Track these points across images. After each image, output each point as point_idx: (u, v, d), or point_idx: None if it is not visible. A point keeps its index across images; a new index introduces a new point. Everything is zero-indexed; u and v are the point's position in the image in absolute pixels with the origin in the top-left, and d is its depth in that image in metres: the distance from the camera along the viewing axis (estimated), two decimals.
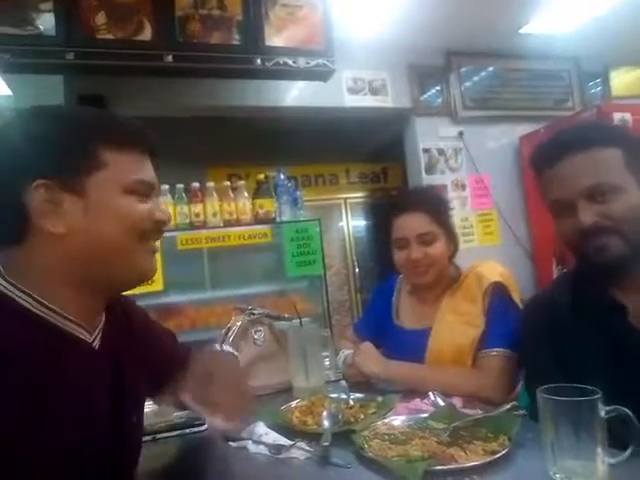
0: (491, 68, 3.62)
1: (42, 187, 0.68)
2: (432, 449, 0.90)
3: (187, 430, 1.16)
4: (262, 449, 1.01)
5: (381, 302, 1.64)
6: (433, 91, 3.48)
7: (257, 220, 2.70)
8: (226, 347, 1.04)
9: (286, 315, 1.64)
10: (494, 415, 1.01)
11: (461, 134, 3.49)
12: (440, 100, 3.49)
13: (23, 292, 0.69)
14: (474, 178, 3.52)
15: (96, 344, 0.76)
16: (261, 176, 2.80)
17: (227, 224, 2.66)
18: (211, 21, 2.28)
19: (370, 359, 1.39)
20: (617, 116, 3.05)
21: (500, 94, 3.63)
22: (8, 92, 2.53)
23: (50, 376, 0.67)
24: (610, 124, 2.42)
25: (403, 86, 3.38)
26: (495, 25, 3.12)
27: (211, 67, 2.34)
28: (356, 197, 5.56)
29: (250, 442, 1.03)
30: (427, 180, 3.41)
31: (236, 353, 1.03)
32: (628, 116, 3.06)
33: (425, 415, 1.07)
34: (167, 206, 0.83)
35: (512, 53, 3.54)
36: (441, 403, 1.14)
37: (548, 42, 3.37)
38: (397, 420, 1.07)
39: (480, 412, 1.05)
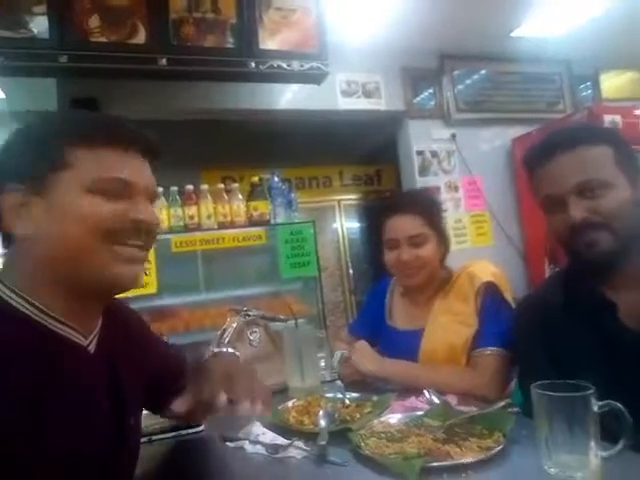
0: (483, 71, 3.65)
1: (12, 191, 0.69)
2: (428, 446, 0.90)
3: (183, 431, 1.16)
4: (259, 449, 1.01)
5: (375, 303, 1.65)
6: (426, 94, 3.50)
7: (251, 222, 2.71)
8: (227, 348, 1.03)
9: (281, 316, 1.64)
10: (489, 412, 1.02)
11: (454, 136, 3.52)
12: (433, 103, 3.52)
13: (14, 293, 0.69)
14: (467, 180, 3.55)
15: (91, 348, 0.75)
16: (255, 178, 2.81)
17: (221, 226, 2.66)
18: (205, 24, 2.29)
19: (366, 357, 1.39)
20: (607, 118, 3.09)
21: (492, 97, 3.66)
22: (1, 95, 2.52)
23: (48, 378, 0.67)
24: (600, 125, 2.45)
25: (396, 89, 3.40)
26: (487, 28, 3.15)
27: (205, 70, 2.34)
28: (350, 199, 5.59)
29: (247, 442, 1.04)
30: (420, 182, 3.43)
31: (238, 353, 1.03)
32: (618, 118, 3.10)
33: (421, 413, 1.08)
34: (150, 206, 0.78)
35: (504, 56, 3.57)
36: (436, 401, 1.15)
37: (540, 45, 3.40)
38: (393, 418, 1.08)
39: (475, 409, 1.06)
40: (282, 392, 1.42)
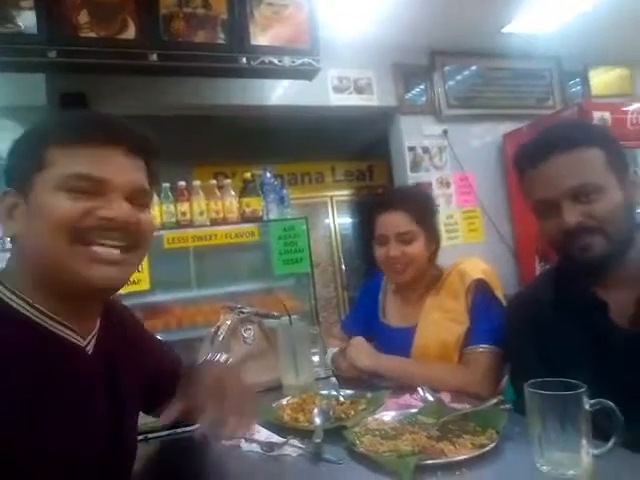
0: (474, 67, 3.65)
1: (5, 194, 0.71)
2: (422, 444, 0.91)
3: (179, 429, 1.16)
4: (254, 447, 1.01)
5: (368, 300, 1.66)
6: (418, 90, 3.51)
7: (244, 219, 2.71)
8: (219, 355, 1.01)
9: (275, 313, 1.64)
10: (482, 409, 1.03)
11: (445, 132, 3.53)
12: (424, 99, 3.52)
13: (14, 294, 0.69)
14: (458, 176, 3.56)
15: (90, 349, 0.76)
16: (247, 174, 2.80)
17: (214, 223, 2.66)
18: (196, 20, 2.27)
19: (362, 353, 1.40)
20: (597, 115, 3.11)
21: (483, 93, 3.67)
22: None
23: (47, 379, 0.68)
24: (591, 124, 2.47)
25: (388, 85, 3.40)
26: (478, 24, 3.16)
27: (196, 66, 2.33)
28: (342, 195, 5.58)
29: (242, 440, 1.04)
30: (412, 178, 3.44)
31: (230, 360, 1.02)
32: (607, 115, 3.13)
33: (414, 410, 1.09)
34: (126, 204, 0.73)
35: (495, 52, 3.58)
36: (430, 398, 1.15)
37: (530, 41, 3.42)
38: (387, 416, 1.08)
39: (468, 407, 1.07)
40: (276, 389, 1.43)
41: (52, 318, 0.71)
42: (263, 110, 3.19)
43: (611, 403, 0.77)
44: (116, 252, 0.72)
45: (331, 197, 5.52)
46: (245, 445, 1.03)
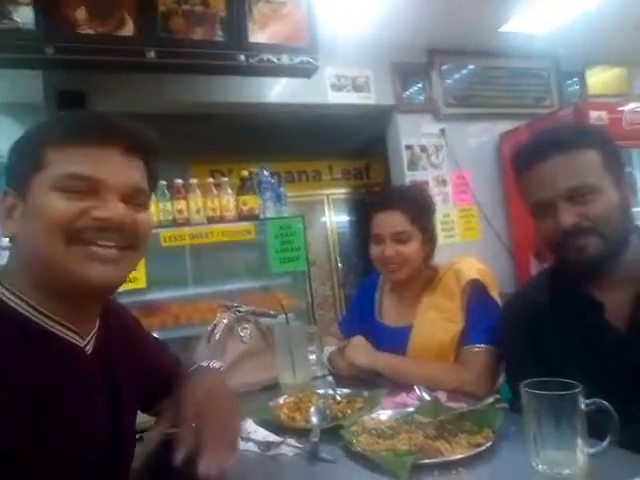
0: (472, 66, 3.66)
1: (6, 194, 0.72)
2: (419, 443, 0.92)
3: (176, 428, 1.16)
4: (251, 446, 1.02)
5: (365, 298, 1.66)
6: (415, 88, 3.51)
7: (241, 217, 2.71)
8: (212, 363, 0.99)
9: (272, 312, 1.64)
10: (478, 409, 1.03)
11: (443, 131, 3.53)
12: (422, 97, 3.52)
13: (13, 294, 0.69)
14: (455, 174, 3.57)
15: (89, 349, 0.76)
16: (245, 172, 2.80)
17: (211, 221, 2.65)
18: (194, 17, 2.26)
19: (360, 352, 1.41)
20: (593, 114, 3.12)
21: (481, 92, 3.67)
22: None
23: (46, 379, 0.68)
24: (588, 126, 2.48)
25: (386, 83, 3.40)
26: (476, 24, 3.16)
27: (194, 63, 2.32)
28: (339, 193, 5.59)
29: (239, 439, 1.04)
30: (409, 176, 3.44)
31: (220, 367, 1.00)
32: (604, 114, 3.14)
33: (411, 409, 1.09)
34: (121, 205, 0.72)
35: (493, 51, 3.59)
36: (426, 397, 1.16)
37: (527, 41, 3.42)
38: (384, 415, 1.09)
39: (464, 406, 1.07)
40: (273, 388, 1.43)
41: (51, 318, 0.71)
42: (261, 108, 3.19)
43: (606, 403, 0.77)
44: (112, 250, 0.71)
45: (328, 195, 5.52)
46: (242, 444, 1.02)
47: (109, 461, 0.76)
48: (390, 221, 1.44)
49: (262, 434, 1.05)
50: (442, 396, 1.18)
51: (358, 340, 1.45)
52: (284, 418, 1.13)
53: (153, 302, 2.69)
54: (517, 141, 3.23)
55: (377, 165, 5.41)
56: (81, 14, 2.07)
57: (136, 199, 0.75)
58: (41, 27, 2.02)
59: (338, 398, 1.22)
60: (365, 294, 1.67)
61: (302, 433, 1.03)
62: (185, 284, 2.88)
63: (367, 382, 1.37)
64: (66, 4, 2.05)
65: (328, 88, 3.23)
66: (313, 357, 1.59)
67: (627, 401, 0.84)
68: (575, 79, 3.98)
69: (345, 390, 1.28)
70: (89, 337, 0.76)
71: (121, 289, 0.92)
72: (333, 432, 1.01)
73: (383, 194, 1.82)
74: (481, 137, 3.68)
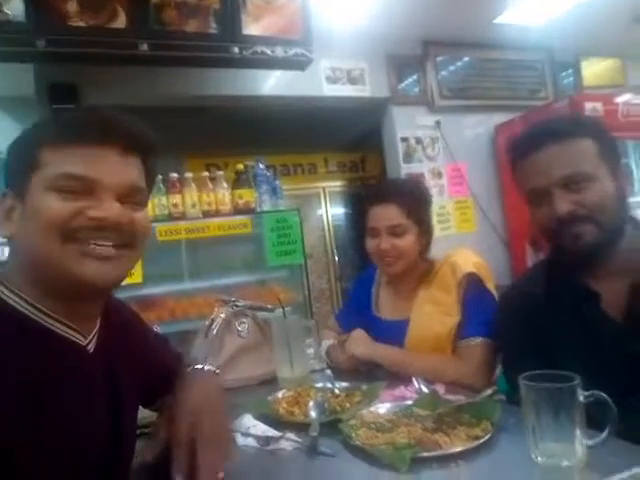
0: (467, 58, 3.64)
1: (5, 196, 0.72)
2: (418, 436, 0.92)
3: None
4: (250, 441, 1.02)
5: (362, 291, 1.66)
6: (410, 81, 3.49)
7: (237, 210, 2.70)
8: (206, 365, 0.98)
9: (269, 306, 1.64)
10: (476, 401, 1.03)
11: (438, 123, 3.52)
12: (417, 89, 3.51)
13: (13, 293, 0.69)
14: (451, 166, 3.57)
15: (91, 347, 0.75)
16: (240, 166, 2.79)
17: (206, 215, 2.64)
18: (187, 9, 2.24)
19: (360, 344, 1.42)
20: (588, 106, 3.12)
21: (476, 84, 3.66)
22: None
23: (47, 377, 0.68)
24: (583, 116, 2.48)
25: (381, 76, 3.39)
26: (471, 15, 3.14)
27: (187, 56, 2.30)
28: (335, 186, 5.58)
29: (239, 434, 1.04)
30: (405, 169, 3.44)
31: (218, 371, 1.00)
32: (599, 106, 3.14)
33: (410, 402, 1.10)
34: (117, 204, 0.72)
35: (487, 43, 3.58)
36: (425, 390, 1.16)
37: (522, 33, 3.41)
38: (383, 408, 1.09)
39: (463, 398, 1.08)
40: (271, 382, 1.43)
41: (50, 316, 0.70)
42: (255, 100, 3.17)
43: (604, 395, 0.78)
44: (109, 248, 0.71)
45: (324, 188, 5.51)
46: (241, 439, 1.03)
47: (109, 460, 0.76)
48: (386, 214, 1.44)
49: (261, 429, 1.05)
50: (440, 389, 1.18)
51: (358, 333, 1.46)
52: (283, 412, 1.13)
53: (149, 297, 2.68)
54: (512, 133, 3.22)
55: (373, 157, 5.40)
56: (72, 6, 2.04)
57: (133, 198, 0.74)
58: (32, 19, 1.99)
59: (337, 392, 1.23)
60: (362, 288, 1.67)
61: (301, 427, 1.03)
62: (181, 278, 2.87)
63: (366, 375, 1.38)
64: None
65: (323, 80, 3.21)
66: (311, 350, 1.59)
67: (625, 392, 0.85)
68: (570, 71, 3.98)
69: (343, 383, 1.28)
70: (91, 336, 0.76)
71: None
72: (332, 426, 1.01)
73: (379, 187, 1.81)
74: (476, 129, 3.68)
